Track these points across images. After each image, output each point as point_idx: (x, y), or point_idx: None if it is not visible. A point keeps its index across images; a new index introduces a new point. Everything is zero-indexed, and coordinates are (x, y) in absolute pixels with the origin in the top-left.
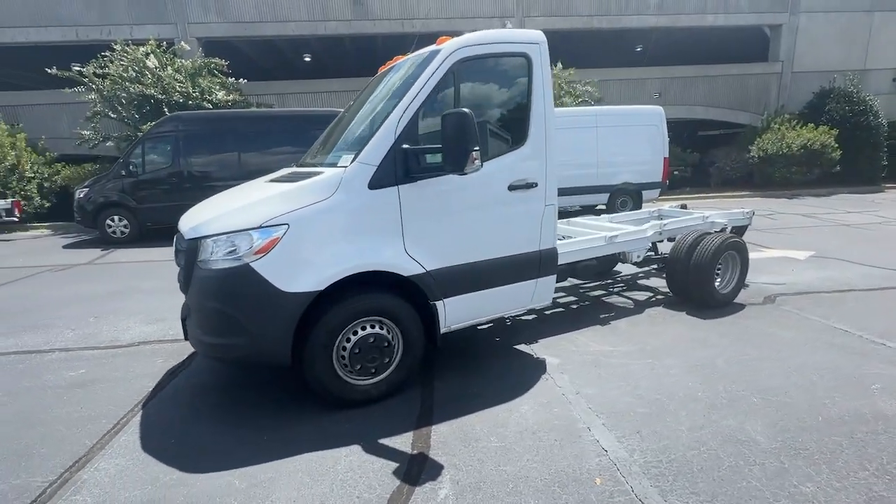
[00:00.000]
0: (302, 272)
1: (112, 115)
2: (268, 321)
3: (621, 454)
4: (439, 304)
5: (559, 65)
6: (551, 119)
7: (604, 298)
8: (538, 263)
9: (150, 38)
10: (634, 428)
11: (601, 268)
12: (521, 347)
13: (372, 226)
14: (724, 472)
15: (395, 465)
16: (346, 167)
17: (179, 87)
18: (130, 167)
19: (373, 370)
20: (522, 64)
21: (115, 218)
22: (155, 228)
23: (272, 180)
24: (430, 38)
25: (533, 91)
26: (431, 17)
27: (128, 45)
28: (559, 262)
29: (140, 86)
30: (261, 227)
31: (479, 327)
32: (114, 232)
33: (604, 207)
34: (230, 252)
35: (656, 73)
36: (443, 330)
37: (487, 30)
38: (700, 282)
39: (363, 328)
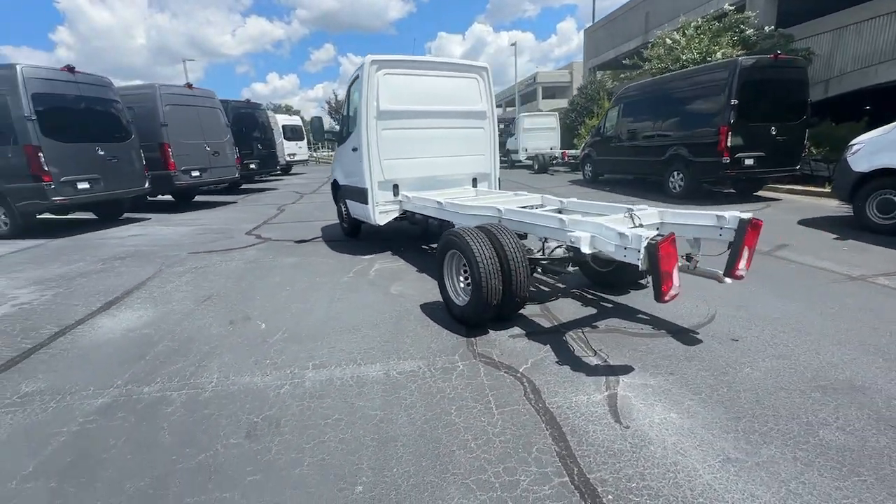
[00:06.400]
0: (336, 176)
1: None
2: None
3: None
4: (343, 202)
5: None
6: (365, 116)
7: None
8: (366, 194)
9: (721, 7)
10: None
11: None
12: (365, 256)
13: (338, 162)
14: None
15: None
16: None
17: (684, 54)
18: (600, 129)
19: (345, 225)
20: None
21: None
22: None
23: None
24: None
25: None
26: None
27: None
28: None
29: (658, 60)
30: None
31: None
32: None
33: None
34: None
35: None
36: (352, 217)
37: None
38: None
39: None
